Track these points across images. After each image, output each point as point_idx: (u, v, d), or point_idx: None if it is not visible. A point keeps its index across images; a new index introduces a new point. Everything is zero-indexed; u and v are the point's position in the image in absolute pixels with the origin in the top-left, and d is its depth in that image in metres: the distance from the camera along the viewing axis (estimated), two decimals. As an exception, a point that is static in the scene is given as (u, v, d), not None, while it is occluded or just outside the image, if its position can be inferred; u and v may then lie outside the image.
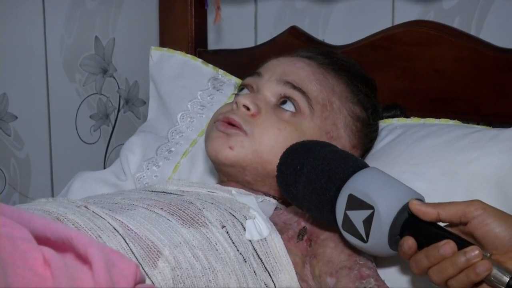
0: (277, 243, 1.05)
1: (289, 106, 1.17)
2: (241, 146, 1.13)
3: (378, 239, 0.94)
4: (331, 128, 1.19)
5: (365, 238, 0.95)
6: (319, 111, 1.18)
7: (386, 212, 0.93)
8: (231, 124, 1.15)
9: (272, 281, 1.02)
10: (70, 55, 1.80)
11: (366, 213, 0.94)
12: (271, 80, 1.19)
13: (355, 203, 0.95)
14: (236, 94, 1.24)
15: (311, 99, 1.17)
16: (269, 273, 1.03)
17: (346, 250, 1.04)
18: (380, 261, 1.09)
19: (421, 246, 0.92)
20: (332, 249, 1.05)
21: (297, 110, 1.17)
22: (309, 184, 0.99)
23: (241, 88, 1.25)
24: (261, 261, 1.03)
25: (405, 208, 0.93)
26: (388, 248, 0.95)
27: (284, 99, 1.18)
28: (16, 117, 1.73)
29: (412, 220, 0.93)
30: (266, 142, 1.13)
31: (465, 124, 1.28)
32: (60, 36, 1.78)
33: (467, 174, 1.13)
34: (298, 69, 1.20)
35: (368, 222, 0.94)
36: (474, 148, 1.16)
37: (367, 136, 1.25)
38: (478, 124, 1.32)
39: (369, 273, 1.01)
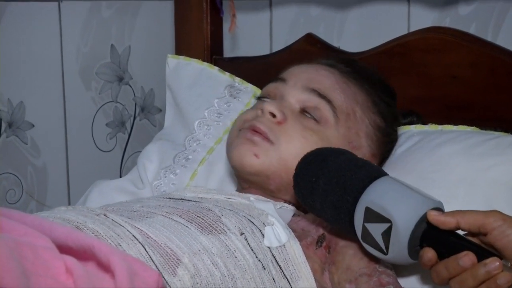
0: (296, 250, 1.04)
1: (314, 114, 1.17)
2: (266, 155, 1.13)
3: (398, 251, 0.93)
4: (354, 137, 1.18)
5: (385, 251, 0.95)
6: (343, 120, 1.18)
7: (403, 225, 0.92)
8: (257, 132, 1.15)
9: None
10: (86, 63, 1.81)
11: (384, 226, 0.93)
12: (297, 87, 1.19)
13: (372, 216, 0.94)
14: (259, 99, 1.23)
15: (336, 108, 1.17)
16: (288, 280, 1.03)
17: (365, 257, 1.04)
18: (400, 270, 1.08)
19: (441, 256, 0.91)
20: (351, 256, 1.05)
21: (322, 119, 1.16)
22: (326, 196, 0.99)
23: (264, 94, 1.24)
24: (280, 268, 1.03)
25: (423, 219, 0.92)
26: (409, 258, 0.94)
27: (309, 107, 1.17)
28: (33, 125, 1.73)
29: (431, 230, 0.92)
30: (291, 150, 1.12)
31: (483, 131, 1.27)
32: (76, 44, 1.78)
33: (486, 180, 1.13)
34: (323, 77, 1.20)
35: (386, 235, 0.93)
36: (493, 154, 1.15)
37: (386, 145, 1.25)
38: (495, 130, 1.31)
39: (389, 280, 1.00)
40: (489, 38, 1.52)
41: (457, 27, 1.41)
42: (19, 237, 0.78)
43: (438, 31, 1.39)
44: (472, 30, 1.54)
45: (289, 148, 1.13)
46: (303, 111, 1.17)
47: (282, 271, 1.03)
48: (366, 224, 0.95)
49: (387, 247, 0.94)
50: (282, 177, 1.14)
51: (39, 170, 1.76)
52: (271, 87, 1.23)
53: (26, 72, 1.70)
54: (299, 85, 1.19)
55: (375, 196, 0.95)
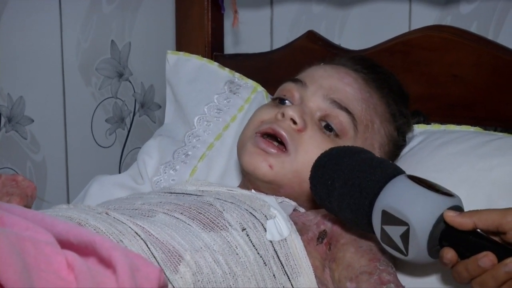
0: (297, 244, 1.04)
1: (334, 126, 1.15)
2: (281, 167, 1.12)
3: (418, 252, 0.93)
4: (369, 148, 1.15)
5: (405, 252, 0.94)
6: (362, 132, 1.17)
7: (421, 228, 0.91)
8: (275, 136, 1.13)
9: (291, 285, 1.02)
10: (86, 58, 1.81)
11: (401, 229, 0.92)
12: (318, 95, 1.17)
13: (389, 219, 0.93)
14: (274, 99, 1.21)
15: (356, 120, 1.16)
16: (288, 276, 1.03)
17: (366, 255, 1.04)
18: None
19: (461, 255, 0.90)
20: (352, 253, 1.05)
21: (341, 131, 1.15)
22: (343, 199, 0.98)
23: (281, 94, 1.21)
24: (281, 263, 1.03)
25: (441, 219, 0.91)
26: (430, 258, 0.94)
27: (329, 118, 1.15)
28: (33, 121, 1.73)
29: (450, 230, 0.91)
30: (307, 162, 1.08)
31: (486, 131, 1.27)
32: (76, 40, 1.78)
33: (488, 181, 1.12)
34: (346, 86, 1.18)
35: (405, 237, 0.93)
36: (496, 155, 1.15)
37: (396, 156, 1.25)
38: (495, 129, 1.31)
39: (390, 279, 1.00)
40: (490, 37, 1.52)
41: (458, 26, 1.40)
42: (22, 232, 0.77)
43: (440, 30, 1.39)
44: (473, 28, 1.53)
45: (305, 160, 1.10)
46: (323, 120, 1.16)
47: (283, 266, 1.03)
48: (384, 227, 0.95)
49: (406, 249, 0.93)
50: (294, 187, 1.14)
51: (38, 165, 1.76)
52: (289, 87, 1.20)
53: (26, 67, 1.70)
54: (320, 93, 1.17)
55: (391, 199, 0.94)
